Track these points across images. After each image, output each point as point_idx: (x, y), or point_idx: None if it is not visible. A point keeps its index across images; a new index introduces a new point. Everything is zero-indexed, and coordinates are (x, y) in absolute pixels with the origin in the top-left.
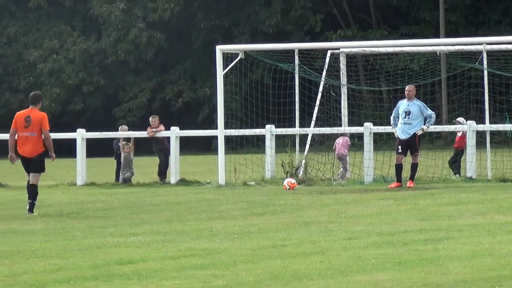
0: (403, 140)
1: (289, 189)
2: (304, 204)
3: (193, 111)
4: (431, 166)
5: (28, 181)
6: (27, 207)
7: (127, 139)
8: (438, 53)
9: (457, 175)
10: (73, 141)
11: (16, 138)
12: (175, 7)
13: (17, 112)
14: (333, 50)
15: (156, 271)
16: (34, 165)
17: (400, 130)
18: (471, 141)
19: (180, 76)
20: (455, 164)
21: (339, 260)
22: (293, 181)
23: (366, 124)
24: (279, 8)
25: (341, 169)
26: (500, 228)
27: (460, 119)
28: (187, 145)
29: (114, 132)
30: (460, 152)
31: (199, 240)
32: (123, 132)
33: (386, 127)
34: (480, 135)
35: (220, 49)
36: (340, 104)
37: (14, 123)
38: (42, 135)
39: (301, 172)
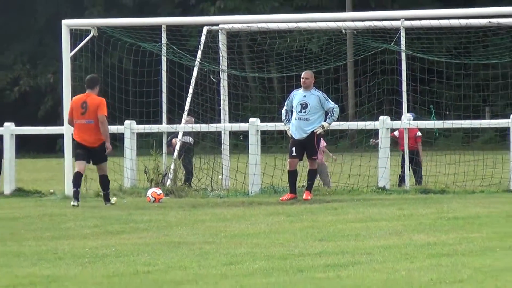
0: (298, 141)
1: (154, 201)
2: (173, 220)
3: (32, 103)
4: (334, 173)
5: (77, 171)
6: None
7: None
8: (343, 31)
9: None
10: None
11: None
12: None
13: (73, 98)
14: (210, 26)
15: None
16: (98, 155)
17: (295, 127)
18: (384, 142)
19: (16, 59)
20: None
21: None
22: (159, 191)
23: (251, 119)
24: None
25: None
26: (420, 250)
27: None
28: (25, 145)
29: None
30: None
31: (40, 265)
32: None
33: (277, 123)
34: None
35: (66, 24)
36: (219, 95)
37: (70, 110)
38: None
39: (169, 180)
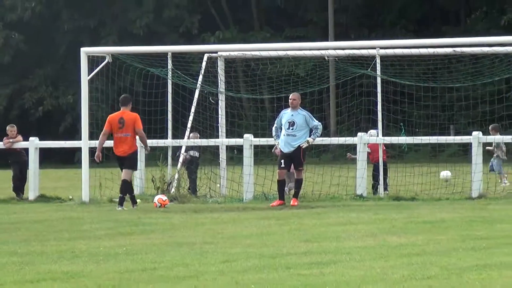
0: (286, 154)
1: (160, 206)
2: (177, 223)
3: (54, 120)
4: (317, 183)
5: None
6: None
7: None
8: (326, 58)
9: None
10: None
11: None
12: (37, 6)
13: (110, 115)
14: (210, 54)
15: None
16: (128, 162)
17: (283, 142)
18: (361, 156)
19: (41, 82)
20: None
21: (215, 286)
22: (164, 198)
23: (246, 135)
24: (151, 7)
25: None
26: (393, 251)
27: (371, 132)
28: (47, 157)
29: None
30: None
31: (60, 262)
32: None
33: (268, 139)
34: None
35: (85, 51)
36: (217, 114)
37: (108, 125)
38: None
39: (173, 188)
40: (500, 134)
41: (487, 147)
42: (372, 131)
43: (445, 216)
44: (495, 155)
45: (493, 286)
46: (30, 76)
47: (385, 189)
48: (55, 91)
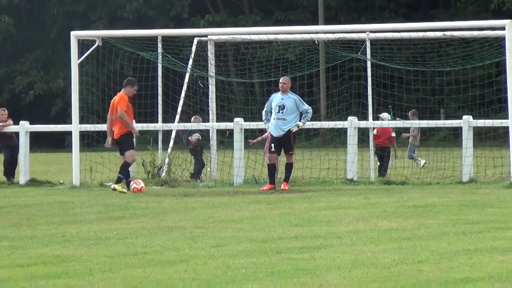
0: (277, 138)
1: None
2: (167, 207)
3: (45, 105)
4: (307, 167)
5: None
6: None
7: None
8: (316, 42)
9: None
10: None
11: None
12: None
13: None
14: (200, 38)
15: (3, 281)
16: (120, 146)
17: (273, 126)
18: (352, 139)
19: (31, 66)
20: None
21: (206, 270)
22: (139, 186)
23: (236, 119)
24: None
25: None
26: (383, 235)
27: (383, 114)
28: (38, 141)
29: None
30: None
31: (51, 246)
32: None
33: (258, 122)
34: (362, 133)
35: (75, 35)
36: (207, 98)
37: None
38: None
39: (164, 172)
40: (418, 119)
41: (403, 134)
42: (384, 115)
43: (435, 201)
44: (410, 140)
45: (483, 271)
46: (20, 60)
47: (384, 174)
48: (45, 75)
